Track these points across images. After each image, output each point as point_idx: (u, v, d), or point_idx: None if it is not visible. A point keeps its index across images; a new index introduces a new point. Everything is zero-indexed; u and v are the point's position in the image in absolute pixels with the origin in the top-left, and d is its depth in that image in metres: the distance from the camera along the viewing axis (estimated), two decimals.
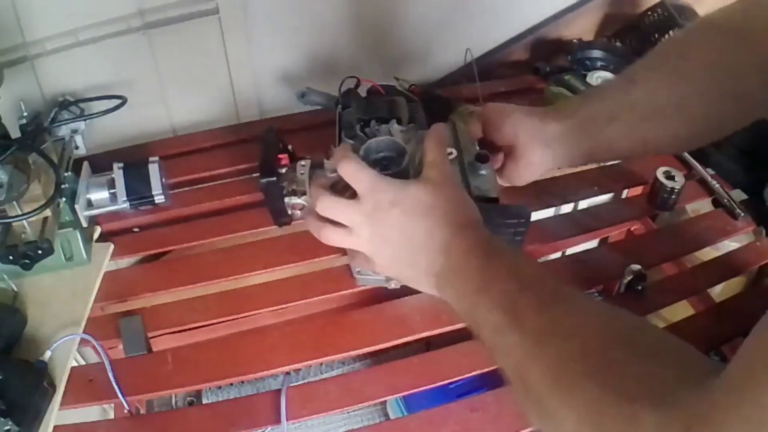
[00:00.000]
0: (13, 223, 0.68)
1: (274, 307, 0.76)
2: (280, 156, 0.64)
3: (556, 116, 0.64)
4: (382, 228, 0.51)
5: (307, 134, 0.93)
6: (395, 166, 0.54)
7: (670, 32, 1.05)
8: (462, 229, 0.49)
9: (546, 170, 0.67)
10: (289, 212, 0.65)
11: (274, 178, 0.63)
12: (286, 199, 0.64)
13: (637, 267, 0.76)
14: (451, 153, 0.57)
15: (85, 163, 0.79)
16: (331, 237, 0.53)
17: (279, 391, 0.67)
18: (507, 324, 0.43)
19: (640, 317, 0.43)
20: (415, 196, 0.50)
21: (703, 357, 0.38)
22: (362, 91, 0.76)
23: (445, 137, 0.55)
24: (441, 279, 0.49)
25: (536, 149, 0.64)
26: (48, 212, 0.70)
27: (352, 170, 0.51)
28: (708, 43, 0.59)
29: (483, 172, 0.59)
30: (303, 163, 0.62)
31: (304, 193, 0.62)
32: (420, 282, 0.52)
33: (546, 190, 0.88)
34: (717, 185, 0.89)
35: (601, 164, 0.99)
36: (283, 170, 0.64)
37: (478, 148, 0.63)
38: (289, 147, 0.67)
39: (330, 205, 0.52)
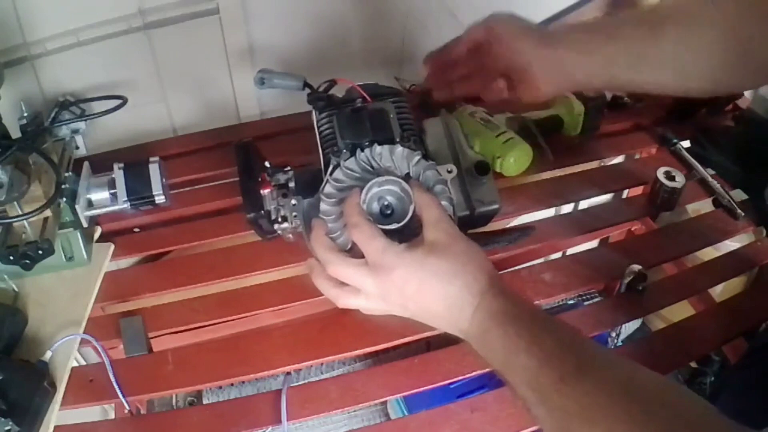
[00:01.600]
0: (14, 224, 0.68)
1: (275, 308, 0.76)
2: (261, 182, 0.61)
3: (574, 49, 0.63)
4: (396, 299, 0.50)
5: (309, 134, 0.93)
6: (400, 216, 0.52)
7: None
8: (481, 297, 0.48)
9: (560, 94, 0.66)
10: (279, 232, 0.63)
11: (262, 211, 0.61)
12: (276, 226, 0.62)
13: (637, 267, 0.76)
14: (451, 171, 0.56)
15: (86, 163, 0.79)
16: (348, 304, 0.53)
17: (279, 391, 0.67)
18: (533, 399, 0.44)
19: (664, 381, 0.43)
20: (425, 267, 0.49)
21: (728, 423, 0.39)
22: (339, 91, 0.66)
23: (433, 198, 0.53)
24: (467, 339, 0.50)
25: (552, 79, 0.64)
26: (48, 212, 0.70)
27: (363, 239, 0.50)
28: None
29: (484, 180, 0.58)
30: (293, 201, 0.60)
31: (295, 218, 0.61)
32: (448, 331, 0.52)
33: (546, 190, 0.88)
34: (717, 185, 0.89)
35: (602, 164, 0.99)
36: (266, 192, 0.61)
37: (472, 144, 0.62)
38: (267, 164, 0.63)
39: (342, 272, 0.52)
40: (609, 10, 1.14)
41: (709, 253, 0.86)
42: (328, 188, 0.55)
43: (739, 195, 0.89)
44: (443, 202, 0.53)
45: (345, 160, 0.55)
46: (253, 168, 0.63)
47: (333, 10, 0.97)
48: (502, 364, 0.47)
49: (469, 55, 0.69)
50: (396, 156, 0.54)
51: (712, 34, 0.58)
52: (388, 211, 0.53)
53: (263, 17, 0.92)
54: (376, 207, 0.53)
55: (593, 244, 1.06)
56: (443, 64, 0.72)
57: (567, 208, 1.04)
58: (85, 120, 0.83)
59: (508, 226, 0.91)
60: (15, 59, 0.82)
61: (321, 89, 0.64)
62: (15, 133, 0.71)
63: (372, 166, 0.55)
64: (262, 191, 0.61)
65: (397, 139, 0.56)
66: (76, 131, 0.83)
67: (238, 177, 0.63)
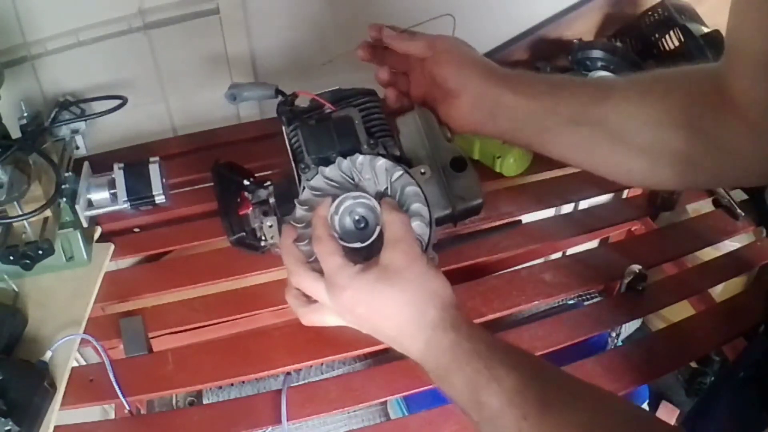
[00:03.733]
0: (14, 224, 0.68)
1: (275, 308, 0.76)
2: (241, 202, 0.61)
3: (514, 89, 0.58)
4: (349, 318, 0.50)
5: None
6: (370, 232, 0.50)
7: (671, 32, 1.05)
8: (432, 330, 0.46)
9: (475, 132, 0.61)
10: (268, 248, 0.62)
11: (243, 233, 0.60)
12: (263, 242, 0.61)
13: (637, 267, 0.76)
14: (424, 173, 0.54)
15: (86, 164, 0.79)
16: (312, 321, 0.52)
17: (279, 391, 0.67)
18: None
19: (631, 410, 0.43)
20: (373, 292, 0.47)
21: None
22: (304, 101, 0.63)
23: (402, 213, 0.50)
24: (422, 364, 0.48)
25: (480, 115, 0.59)
26: (48, 212, 0.70)
27: (322, 253, 0.49)
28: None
29: (464, 176, 0.56)
30: (269, 223, 0.59)
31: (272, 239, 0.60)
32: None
33: (546, 190, 0.88)
34: None
35: None
36: (248, 211, 0.60)
37: (449, 135, 0.59)
38: (245, 182, 0.62)
39: (302, 282, 0.51)
40: (609, 11, 1.14)
41: (709, 253, 0.86)
42: (305, 195, 0.53)
43: (739, 195, 0.89)
44: (416, 222, 0.51)
45: (311, 178, 0.53)
46: (230, 190, 0.62)
47: (333, 10, 0.96)
48: (461, 402, 0.46)
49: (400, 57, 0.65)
50: (377, 169, 0.52)
51: (660, 107, 0.54)
52: (361, 225, 0.51)
53: (264, 17, 0.92)
54: (348, 221, 0.51)
55: (593, 244, 1.06)
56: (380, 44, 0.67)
57: (567, 208, 1.04)
58: (85, 120, 0.83)
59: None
60: (15, 59, 0.82)
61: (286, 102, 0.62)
62: (15, 133, 0.71)
63: (352, 177, 0.53)
64: (243, 212, 0.61)
65: (364, 146, 0.54)
66: (76, 131, 0.83)
67: (217, 197, 0.63)
